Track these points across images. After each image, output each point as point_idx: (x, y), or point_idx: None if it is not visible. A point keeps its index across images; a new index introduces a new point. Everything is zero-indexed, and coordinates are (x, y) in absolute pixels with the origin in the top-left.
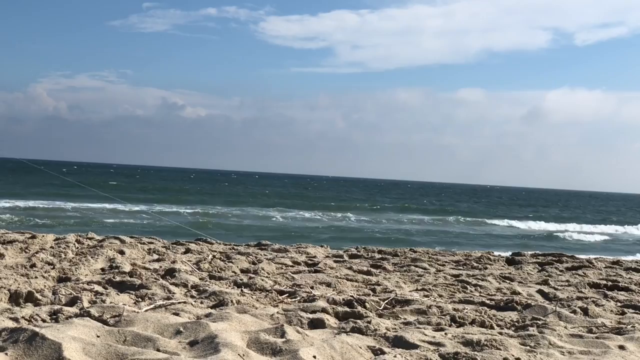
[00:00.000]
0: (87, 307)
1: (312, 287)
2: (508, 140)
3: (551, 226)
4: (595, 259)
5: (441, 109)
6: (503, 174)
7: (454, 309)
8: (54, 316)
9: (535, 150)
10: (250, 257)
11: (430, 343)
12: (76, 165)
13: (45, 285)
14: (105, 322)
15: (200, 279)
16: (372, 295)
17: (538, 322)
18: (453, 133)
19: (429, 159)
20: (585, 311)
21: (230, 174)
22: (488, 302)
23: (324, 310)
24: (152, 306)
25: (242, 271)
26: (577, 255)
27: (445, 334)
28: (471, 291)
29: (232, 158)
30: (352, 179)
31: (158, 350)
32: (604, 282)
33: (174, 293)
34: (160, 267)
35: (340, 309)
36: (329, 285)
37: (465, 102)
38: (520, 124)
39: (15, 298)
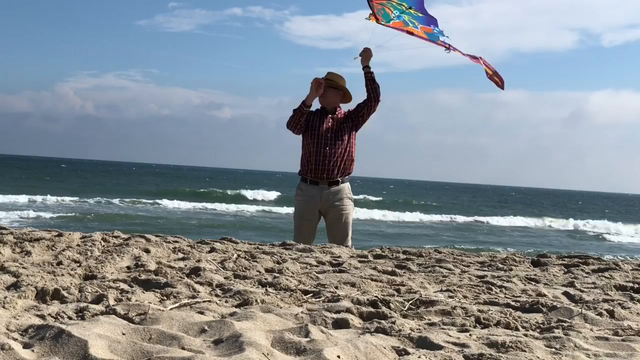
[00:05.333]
0: (113, 305)
1: (336, 287)
2: (549, 142)
3: None
4: (622, 261)
5: (478, 110)
6: (550, 176)
7: (479, 310)
8: (80, 314)
9: (583, 152)
10: (275, 256)
11: (454, 344)
12: (112, 165)
13: (71, 283)
14: (130, 320)
15: (225, 278)
16: (397, 296)
17: (564, 324)
18: (490, 134)
19: (463, 160)
20: (611, 314)
21: (274, 174)
22: (513, 303)
23: (348, 310)
24: (177, 305)
25: (267, 270)
26: (603, 257)
27: (470, 335)
28: (496, 292)
29: (259, 158)
30: (396, 180)
31: (183, 348)
32: (631, 284)
33: (198, 292)
34: (186, 265)
35: (364, 309)
36: (353, 285)
37: (503, 103)
38: (563, 126)
39: (42, 295)
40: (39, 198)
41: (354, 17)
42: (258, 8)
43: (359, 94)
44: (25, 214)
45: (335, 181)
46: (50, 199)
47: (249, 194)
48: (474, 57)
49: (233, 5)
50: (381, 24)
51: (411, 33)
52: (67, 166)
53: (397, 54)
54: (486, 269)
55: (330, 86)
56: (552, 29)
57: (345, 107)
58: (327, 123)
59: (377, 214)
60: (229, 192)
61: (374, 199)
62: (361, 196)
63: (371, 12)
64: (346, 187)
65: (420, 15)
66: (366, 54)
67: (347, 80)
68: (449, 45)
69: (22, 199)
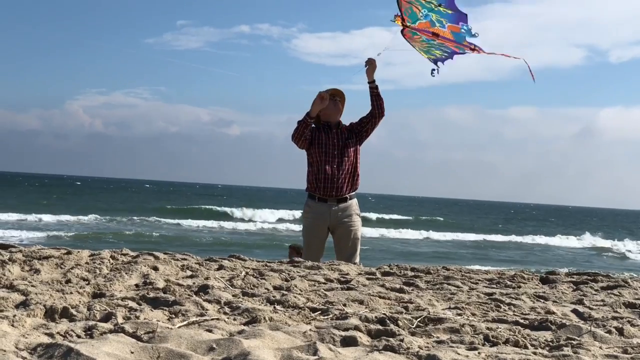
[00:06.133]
0: (122, 323)
1: (344, 305)
2: (559, 158)
3: None
4: (630, 278)
5: (487, 126)
6: (560, 192)
7: (488, 328)
8: (89, 332)
9: (593, 169)
10: (283, 274)
11: None
12: (124, 182)
13: (80, 301)
14: (139, 338)
15: (233, 295)
16: (405, 313)
17: (573, 342)
18: (499, 150)
19: (472, 176)
20: (620, 331)
21: (285, 192)
22: (522, 321)
23: (356, 328)
24: (185, 322)
25: (275, 288)
26: (612, 274)
27: (479, 353)
28: (505, 310)
29: (269, 175)
30: (409, 197)
31: None
32: None
33: (207, 310)
34: (194, 283)
35: (372, 326)
36: (361, 302)
37: (512, 119)
38: (573, 142)
39: (50, 313)
40: (57, 217)
41: (361, 34)
42: (265, 25)
43: (363, 109)
44: (43, 233)
45: (343, 198)
46: (69, 218)
47: (264, 213)
48: (501, 54)
49: (241, 23)
50: (406, 25)
51: (437, 34)
52: (82, 184)
53: (404, 70)
54: (494, 286)
55: (333, 97)
56: (559, 45)
57: (346, 120)
58: (333, 139)
59: (411, 234)
60: (244, 210)
61: (401, 217)
62: (387, 216)
63: (397, 13)
64: (354, 203)
65: (450, 12)
66: (371, 66)
67: (355, 97)
68: (474, 46)
69: (45, 218)
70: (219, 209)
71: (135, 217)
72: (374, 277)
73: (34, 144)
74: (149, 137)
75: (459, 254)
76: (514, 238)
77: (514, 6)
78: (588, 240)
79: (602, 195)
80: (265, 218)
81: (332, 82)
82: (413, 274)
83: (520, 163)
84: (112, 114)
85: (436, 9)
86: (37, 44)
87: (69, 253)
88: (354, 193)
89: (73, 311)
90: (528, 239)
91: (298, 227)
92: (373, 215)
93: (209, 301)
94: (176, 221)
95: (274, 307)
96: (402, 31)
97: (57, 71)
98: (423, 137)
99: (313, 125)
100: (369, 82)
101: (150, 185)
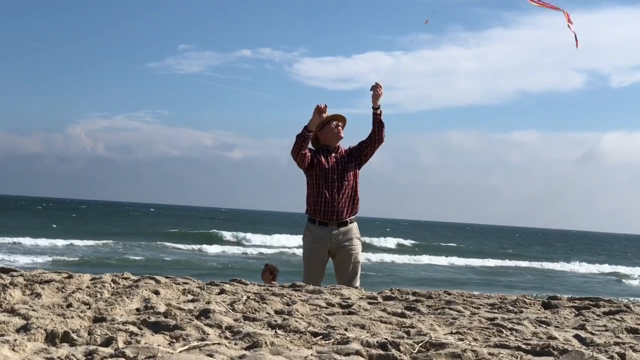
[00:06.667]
0: (122, 348)
1: (345, 329)
2: (562, 182)
3: None
4: (632, 303)
5: (490, 151)
6: (564, 216)
7: (489, 353)
8: (90, 356)
9: (597, 193)
10: (285, 298)
11: None
12: (129, 206)
13: (81, 325)
14: None
15: (234, 320)
16: (406, 338)
17: None
18: (502, 175)
19: (475, 200)
20: (622, 357)
21: (290, 216)
22: (524, 346)
23: (357, 353)
24: (186, 347)
25: (276, 312)
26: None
27: None
28: (507, 335)
29: (273, 199)
30: (418, 222)
31: None
32: None
33: (208, 334)
34: (195, 307)
35: (374, 351)
36: (362, 327)
37: (515, 143)
38: (576, 166)
39: (51, 338)
40: (60, 241)
41: (363, 59)
42: (267, 50)
43: (363, 133)
44: (48, 257)
45: (344, 222)
46: (71, 242)
47: (268, 237)
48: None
49: (242, 47)
50: None
51: None
52: (87, 207)
53: (406, 94)
54: (496, 311)
55: (334, 121)
56: (559, 70)
57: (345, 144)
58: (332, 163)
59: (427, 259)
60: (247, 234)
61: (416, 242)
62: (408, 241)
63: None
64: (354, 227)
65: None
66: (377, 91)
67: (357, 121)
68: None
69: (48, 242)
70: (222, 232)
71: (140, 242)
72: (376, 301)
73: (36, 167)
74: (152, 160)
75: (473, 280)
76: (528, 263)
77: (514, 31)
78: (604, 266)
79: (606, 219)
80: (268, 242)
81: (334, 106)
82: (415, 298)
83: (524, 187)
84: (114, 137)
85: None
86: (39, 68)
87: (70, 277)
88: (354, 217)
89: (74, 335)
90: (547, 265)
91: (301, 251)
92: (382, 241)
93: (210, 325)
94: (180, 245)
95: (275, 332)
96: None
97: (59, 95)
98: (426, 161)
99: (312, 148)
100: (373, 108)
101: (154, 209)
